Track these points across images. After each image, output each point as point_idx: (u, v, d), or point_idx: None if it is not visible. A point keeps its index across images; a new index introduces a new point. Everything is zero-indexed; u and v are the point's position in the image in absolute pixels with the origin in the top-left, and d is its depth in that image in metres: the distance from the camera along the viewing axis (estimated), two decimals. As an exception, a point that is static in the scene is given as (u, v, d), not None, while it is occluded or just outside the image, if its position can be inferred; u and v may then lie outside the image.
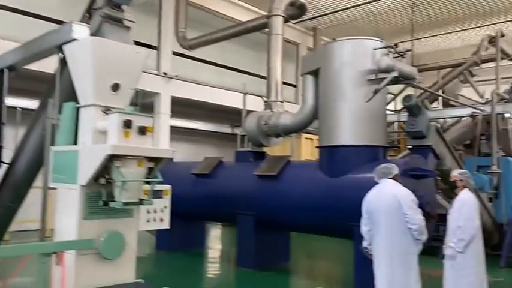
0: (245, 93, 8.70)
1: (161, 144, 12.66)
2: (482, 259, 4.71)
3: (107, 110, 4.24)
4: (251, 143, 8.28)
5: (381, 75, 6.44)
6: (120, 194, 3.93)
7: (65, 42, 4.43)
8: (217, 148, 15.86)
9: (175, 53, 13.48)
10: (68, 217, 4.10)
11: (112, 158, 3.90)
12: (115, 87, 4.34)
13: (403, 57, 6.76)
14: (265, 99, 8.57)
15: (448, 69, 13.06)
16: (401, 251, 4.40)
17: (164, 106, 12.99)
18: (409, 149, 7.17)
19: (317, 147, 7.08)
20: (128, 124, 4.00)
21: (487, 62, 11.67)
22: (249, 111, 8.52)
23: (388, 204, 4.51)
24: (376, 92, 6.48)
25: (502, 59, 12.11)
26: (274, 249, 7.95)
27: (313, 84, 7.28)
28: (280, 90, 8.52)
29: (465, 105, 10.27)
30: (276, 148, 14.10)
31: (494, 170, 9.25)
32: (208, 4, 13.81)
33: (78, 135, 4.37)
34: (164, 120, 13.00)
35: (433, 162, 7.03)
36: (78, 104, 4.38)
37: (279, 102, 8.43)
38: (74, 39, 4.38)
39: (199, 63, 14.15)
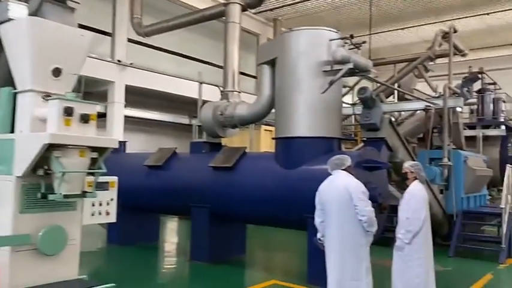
0: (201, 83, 8.49)
1: (114, 134, 12.25)
2: (430, 250, 4.78)
3: (46, 96, 3.97)
4: (207, 133, 8.10)
5: (336, 67, 6.41)
6: (60, 185, 3.69)
7: (1, 22, 4.10)
8: (174, 139, 15.55)
9: (130, 41, 13.05)
10: (2, 210, 3.81)
11: (51, 148, 3.65)
12: (56, 72, 4.07)
13: (359, 49, 6.77)
14: (221, 88, 8.39)
15: (404, 64, 13.35)
16: (352, 242, 4.39)
17: (118, 95, 12.57)
18: (363, 141, 7.22)
19: (273, 138, 7.00)
20: (68, 111, 3.75)
21: (441, 57, 11.99)
22: (206, 102, 8.32)
23: (339, 195, 4.49)
24: (331, 83, 6.46)
25: (455, 54, 12.51)
26: (229, 242, 7.84)
27: (270, 75, 7.17)
28: (237, 80, 8.38)
29: (419, 99, 10.50)
30: (235, 140, 13.96)
31: (445, 163, 9.52)
32: None
33: (15, 122, 4.08)
34: (118, 109, 12.58)
35: (386, 154, 7.11)
36: (15, 89, 4.08)
37: (235, 92, 8.28)
38: (10, 19, 4.06)
39: (156, 51, 13.76)
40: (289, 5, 15.78)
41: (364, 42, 6.69)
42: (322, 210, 4.65)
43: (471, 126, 15.45)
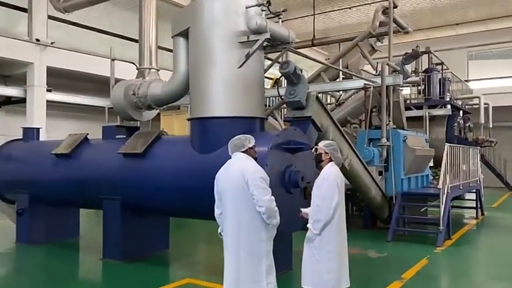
0: (113, 59, 7.56)
1: (35, 121, 11.11)
2: (344, 242, 4.17)
3: None
4: (119, 116, 7.23)
5: (253, 37, 5.70)
6: None
7: None
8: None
9: (52, 18, 11.83)
10: None
11: None
12: None
13: (279, 18, 6.08)
14: (137, 66, 7.50)
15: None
16: (249, 238, 3.73)
17: (38, 78, 11.38)
18: (289, 120, 6.58)
19: (188, 119, 6.23)
20: None
21: (385, 35, 11.48)
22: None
23: (234, 183, 3.81)
24: (248, 56, 5.75)
25: (398, 32, 12.07)
26: (148, 237, 7.06)
27: (185, 48, 6.35)
28: (154, 56, 7.50)
29: (358, 77, 9.98)
30: (176, 124, 13.12)
31: (383, 143, 9.08)
32: None
33: None
34: (39, 93, 11.41)
35: (314, 134, 6.50)
36: None
37: (153, 70, 7.41)
38: None
39: (82, 29, 12.57)
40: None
41: (284, 10, 5.98)
42: (220, 200, 3.96)
43: (418, 107, 15.30)
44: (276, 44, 6.07)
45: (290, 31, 6.01)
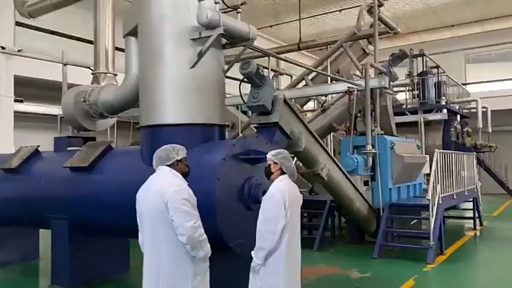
0: (65, 64, 6.91)
1: (1, 133, 10.46)
2: (293, 273, 3.45)
3: None
4: (70, 126, 6.56)
5: (205, 33, 5.02)
6: None
7: None
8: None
9: (20, 24, 11.23)
10: None
11: None
12: None
13: (238, 13, 5.41)
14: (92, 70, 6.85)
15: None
16: (170, 274, 3.03)
17: (5, 87, 10.73)
18: (255, 127, 5.89)
19: (138, 128, 5.55)
20: None
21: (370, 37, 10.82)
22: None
23: (152, 205, 3.14)
24: (200, 55, 5.08)
25: (387, 32, 11.41)
26: (103, 259, 6.35)
27: (137, 48, 5.71)
28: (111, 59, 6.85)
29: (340, 79, 9.30)
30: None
31: (368, 150, 8.36)
32: None
33: None
34: (5, 104, 10.75)
35: (283, 142, 5.79)
36: None
37: (109, 74, 6.76)
38: None
39: (55, 36, 11.95)
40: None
41: (243, 3, 5.31)
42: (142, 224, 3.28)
43: (413, 111, 14.62)
44: (235, 41, 5.38)
45: (251, 27, 5.32)
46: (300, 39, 13.37)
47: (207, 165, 4.68)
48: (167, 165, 3.36)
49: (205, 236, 3.16)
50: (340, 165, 7.51)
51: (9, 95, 10.82)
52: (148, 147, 5.34)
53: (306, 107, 14.55)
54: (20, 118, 11.25)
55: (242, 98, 5.74)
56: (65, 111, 6.44)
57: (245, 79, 5.52)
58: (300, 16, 13.96)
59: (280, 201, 3.36)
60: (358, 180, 8.25)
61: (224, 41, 5.50)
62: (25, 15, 10.03)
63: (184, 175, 3.42)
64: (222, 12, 5.34)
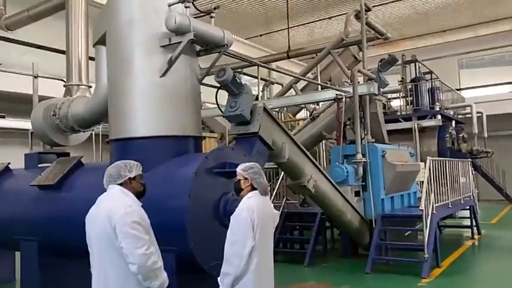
0: (36, 76, 6.58)
1: (-19, 150, 10.11)
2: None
3: None
4: (41, 141, 6.21)
5: (175, 40, 4.71)
6: None
7: None
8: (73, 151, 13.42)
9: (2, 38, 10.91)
10: None
11: None
12: None
13: (211, 17, 5.11)
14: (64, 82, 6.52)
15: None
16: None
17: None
18: (234, 138, 5.56)
19: (107, 141, 5.21)
20: None
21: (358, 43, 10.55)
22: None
23: (99, 229, 2.79)
24: (171, 62, 4.76)
25: (377, 38, 11.15)
26: (76, 284, 5.93)
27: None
28: (85, 70, 6.53)
29: (327, 87, 9.00)
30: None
31: (358, 159, 8.02)
32: None
33: None
34: (-16, 120, 10.43)
35: (263, 153, 5.45)
36: None
37: (82, 86, 6.43)
38: None
39: (32, 49, 11.61)
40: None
41: (216, 8, 5.01)
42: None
43: (407, 118, 14.33)
44: (209, 48, 5.07)
45: (225, 32, 5.01)
46: (288, 47, 13.12)
47: (177, 180, 4.35)
48: (118, 184, 3.02)
49: (160, 263, 2.81)
50: (328, 176, 7.16)
51: (-13, 111, 10.50)
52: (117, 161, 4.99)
53: (298, 116, 14.28)
54: (0, 133, 10.90)
55: (219, 108, 5.41)
56: (35, 126, 6.10)
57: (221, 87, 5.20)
58: (288, 25, 13.75)
59: (248, 220, 3.02)
60: (348, 190, 7.90)
61: (198, 47, 5.20)
62: (3, 28, 9.73)
63: (139, 195, 3.08)
64: (195, 17, 5.04)
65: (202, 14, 5.04)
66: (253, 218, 3.04)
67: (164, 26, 4.76)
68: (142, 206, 3.05)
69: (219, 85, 5.11)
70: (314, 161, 6.74)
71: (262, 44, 19.01)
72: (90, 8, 6.94)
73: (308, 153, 6.54)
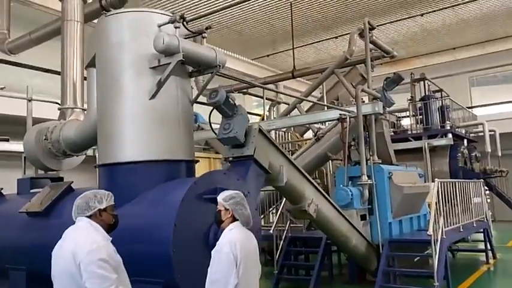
0: (30, 100, 6.49)
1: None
2: None
3: None
4: (33, 165, 6.07)
5: (164, 61, 4.56)
6: None
7: None
8: (77, 174, 13.30)
9: (3, 61, 10.94)
10: None
11: None
12: None
13: (203, 38, 4.96)
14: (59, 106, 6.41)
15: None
16: None
17: (-14, 126, 10.40)
18: (230, 161, 5.33)
19: (95, 166, 5.02)
20: None
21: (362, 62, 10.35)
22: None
23: (62, 268, 2.56)
24: (160, 84, 4.60)
25: (383, 56, 10.95)
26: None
27: (97, 80, 5.26)
28: (79, 92, 6.41)
29: (331, 106, 8.78)
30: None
31: (364, 181, 7.72)
32: None
33: None
34: (-14, 143, 10.38)
35: (259, 177, 5.21)
36: None
37: (77, 109, 6.31)
38: None
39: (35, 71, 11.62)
40: (206, 16, 14.03)
41: (208, 28, 4.86)
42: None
43: (417, 137, 13.99)
44: (202, 68, 4.90)
45: (218, 52, 4.85)
46: (294, 67, 12.97)
47: (163, 208, 4.13)
48: (87, 216, 2.80)
49: None
50: (331, 199, 6.87)
51: (-10, 134, 10.46)
52: (105, 188, 4.76)
53: (306, 136, 14.05)
54: (4, 157, 10.83)
55: (213, 130, 5.21)
56: (27, 150, 5.97)
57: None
58: (293, 45, 13.64)
59: (230, 256, 2.77)
60: (354, 214, 7.58)
61: (191, 68, 5.05)
62: (6, 52, 9.76)
63: (110, 228, 2.86)
64: (186, 38, 4.90)
65: (193, 35, 4.88)
66: (235, 253, 2.80)
67: (153, 47, 4.64)
68: (112, 241, 2.83)
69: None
70: (315, 184, 6.46)
71: (270, 64, 18.97)
72: (87, 29, 6.86)
73: (308, 176, 6.27)
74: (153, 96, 4.62)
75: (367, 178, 7.73)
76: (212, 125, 5.20)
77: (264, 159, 5.27)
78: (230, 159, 5.23)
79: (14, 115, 10.90)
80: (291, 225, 9.09)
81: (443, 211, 7.33)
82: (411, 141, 13.72)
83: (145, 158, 4.63)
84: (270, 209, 11.08)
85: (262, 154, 5.23)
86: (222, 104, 4.88)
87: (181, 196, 4.03)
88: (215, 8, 13.49)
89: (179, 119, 4.84)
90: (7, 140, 11.14)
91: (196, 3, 13.47)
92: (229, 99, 4.95)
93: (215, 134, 5.17)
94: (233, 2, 13.15)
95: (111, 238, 2.79)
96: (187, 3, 13.38)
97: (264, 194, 9.91)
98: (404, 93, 15.85)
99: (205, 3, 13.45)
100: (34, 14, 11.48)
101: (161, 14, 4.85)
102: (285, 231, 8.80)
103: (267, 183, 5.60)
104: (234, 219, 3.04)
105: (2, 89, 10.55)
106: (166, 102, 4.73)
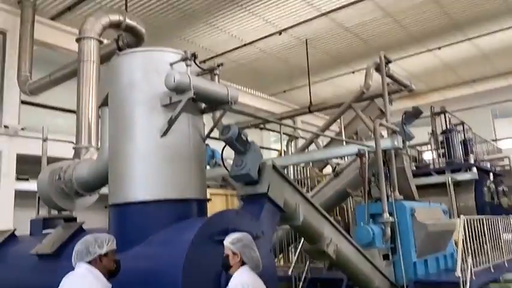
0: (45, 140, 6.52)
1: (1, 213, 10.08)
2: None
3: None
4: (47, 205, 6.02)
5: (176, 98, 4.51)
6: None
7: None
8: (92, 213, 13.28)
9: (25, 102, 11.23)
10: None
11: None
12: None
13: (215, 75, 4.92)
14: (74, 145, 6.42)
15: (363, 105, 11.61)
16: None
17: (7, 166, 10.51)
18: (242, 199, 5.16)
19: (105, 206, 4.92)
20: None
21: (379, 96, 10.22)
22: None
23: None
24: (171, 121, 4.53)
25: (401, 90, 10.82)
26: None
27: (110, 119, 5.25)
28: (94, 131, 6.42)
29: (349, 141, 8.59)
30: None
31: (385, 219, 7.40)
32: (56, 40, 11.63)
33: None
34: (6, 183, 10.46)
35: (274, 216, 5.01)
36: None
37: (91, 148, 6.30)
38: None
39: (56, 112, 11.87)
40: (220, 54, 14.23)
41: (220, 65, 4.83)
42: None
43: (440, 171, 13.60)
44: (214, 105, 4.84)
45: (230, 89, 4.79)
46: (310, 102, 12.95)
47: (171, 251, 3.95)
48: (87, 262, 2.66)
49: None
50: (351, 238, 6.57)
51: (11, 174, 10.57)
52: (115, 228, 4.68)
53: (325, 171, 13.82)
54: (24, 196, 10.89)
55: (225, 167, 5.08)
56: (40, 190, 5.93)
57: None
58: (309, 81, 13.68)
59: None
60: (376, 254, 7.22)
61: (203, 105, 4.99)
62: (27, 93, 10.01)
63: (111, 274, 2.70)
64: (198, 75, 4.87)
65: (204, 72, 4.85)
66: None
67: (164, 85, 4.60)
68: (120, 285, 2.67)
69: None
70: (334, 222, 6.20)
71: (287, 100, 19.02)
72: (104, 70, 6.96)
73: (326, 214, 6.03)
74: (164, 134, 4.54)
75: (388, 215, 7.41)
76: (227, 161, 5.09)
77: (279, 196, 5.08)
78: (243, 197, 5.07)
79: (34, 155, 11.03)
80: (311, 265, 8.73)
81: (471, 250, 6.92)
82: (434, 175, 13.35)
83: (155, 197, 4.51)
84: (290, 248, 10.76)
85: (276, 191, 5.05)
86: (235, 140, 4.76)
87: (191, 238, 3.86)
88: (233, 46, 13.72)
89: (191, 157, 4.74)
90: (27, 180, 11.25)
91: (214, 43, 13.69)
92: (242, 135, 4.83)
93: (227, 170, 5.04)
94: (249, 40, 13.36)
95: (110, 285, 2.63)
96: (205, 44, 13.61)
97: (282, 231, 9.63)
98: (424, 126, 15.58)
99: (223, 42, 13.66)
100: (55, 55, 11.83)
101: (173, 52, 4.84)
102: (304, 272, 8.45)
103: (283, 222, 5.39)
104: (243, 263, 2.85)
105: (22, 129, 10.73)
106: (177, 139, 4.65)
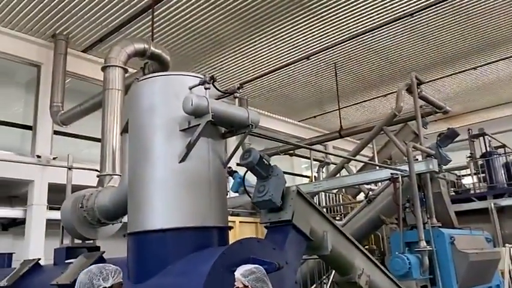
0: (70, 168, 6.51)
1: (32, 242, 10.17)
2: None
3: None
4: (69, 234, 5.94)
5: (194, 122, 4.38)
6: None
7: None
8: (115, 242, 13.26)
9: (58, 132, 11.47)
10: None
11: None
12: None
13: (235, 98, 4.78)
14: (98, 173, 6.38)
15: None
16: None
17: (38, 196, 10.66)
18: (266, 227, 4.91)
19: (124, 235, 4.78)
20: None
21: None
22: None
23: None
24: (190, 146, 4.38)
25: (436, 112, 10.43)
26: None
27: (131, 146, 5.17)
28: (118, 160, 6.37)
29: (381, 166, 8.21)
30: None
31: (422, 248, 6.93)
32: (87, 72, 11.92)
33: None
34: (38, 212, 10.59)
35: (300, 244, 4.72)
36: None
37: (115, 176, 6.23)
38: None
39: (89, 142, 12.06)
40: (249, 81, 14.22)
41: (240, 87, 4.69)
42: None
43: (481, 197, 12.89)
44: (234, 129, 4.68)
45: (250, 112, 4.62)
46: (341, 126, 12.65)
47: (188, 282, 3.72)
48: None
49: None
50: (385, 269, 6.15)
51: (42, 203, 10.70)
52: (132, 258, 4.51)
53: (359, 198, 13.37)
54: (55, 225, 10.99)
55: (247, 193, 4.88)
56: (64, 219, 5.88)
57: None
58: (339, 105, 13.42)
59: None
60: (413, 286, 6.76)
61: (224, 129, 4.84)
62: (59, 124, 10.22)
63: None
64: (218, 99, 4.74)
65: (224, 95, 4.71)
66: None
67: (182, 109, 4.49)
68: None
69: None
70: (366, 252, 5.82)
71: (317, 125, 18.75)
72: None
73: (357, 243, 5.67)
74: (182, 159, 4.39)
75: (425, 244, 6.94)
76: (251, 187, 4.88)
77: (305, 224, 4.80)
78: (268, 224, 4.82)
79: (65, 184, 11.18)
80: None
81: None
82: (475, 201, 12.67)
83: (174, 225, 4.31)
84: (322, 279, 10.29)
85: (302, 219, 4.78)
86: (256, 165, 4.57)
87: (208, 269, 3.64)
88: (262, 72, 13.69)
89: (210, 183, 4.55)
90: (58, 209, 11.35)
91: (242, 70, 13.71)
92: (264, 160, 4.63)
93: (250, 197, 4.82)
94: (278, 66, 13.30)
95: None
96: (233, 71, 13.65)
97: (313, 261, 9.24)
98: (463, 150, 14.96)
99: (251, 69, 13.66)
100: (87, 86, 12.12)
101: (193, 76, 4.74)
102: (337, 306, 8.00)
103: (310, 251, 5.09)
104: (257, 298, 2.61)
105: (54, 159, 10.92)
106: (196, 165, 4.48)
